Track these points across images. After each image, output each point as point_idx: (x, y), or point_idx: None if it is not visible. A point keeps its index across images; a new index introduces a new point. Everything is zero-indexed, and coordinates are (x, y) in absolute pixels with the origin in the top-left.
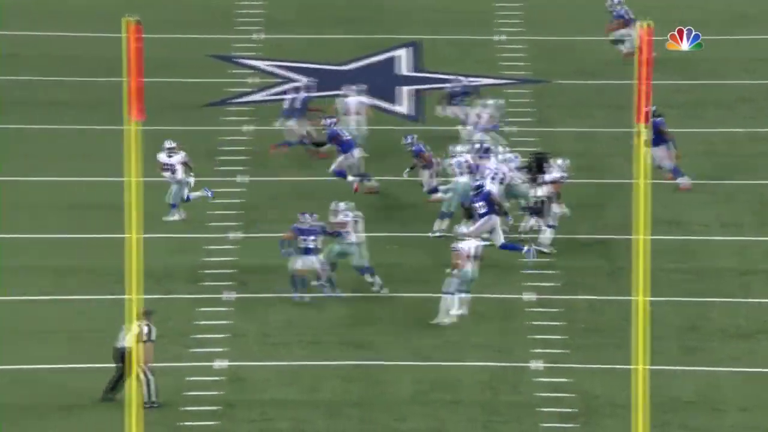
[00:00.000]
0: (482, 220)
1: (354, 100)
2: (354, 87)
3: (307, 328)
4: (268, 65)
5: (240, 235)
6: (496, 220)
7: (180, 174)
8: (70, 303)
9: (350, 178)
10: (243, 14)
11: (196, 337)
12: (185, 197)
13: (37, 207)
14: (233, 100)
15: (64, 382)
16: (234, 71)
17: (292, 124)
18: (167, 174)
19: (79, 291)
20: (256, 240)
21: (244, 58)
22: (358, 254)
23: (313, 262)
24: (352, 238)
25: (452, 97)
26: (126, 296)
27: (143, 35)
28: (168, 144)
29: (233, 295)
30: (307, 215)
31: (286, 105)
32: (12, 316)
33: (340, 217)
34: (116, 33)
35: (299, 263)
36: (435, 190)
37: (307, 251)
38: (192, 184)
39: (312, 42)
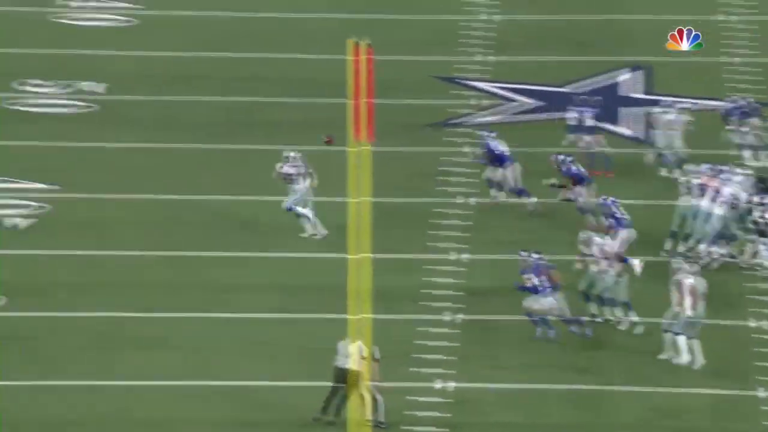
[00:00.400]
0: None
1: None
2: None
3: (532, 352)
4: (492, 87)
5: (463, 256)
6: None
7: (300, 184)
8: (296, 321)
9: (533, 199)
10: (468, 35)
11: (419, 358)
12: (289, 207)
13: (265, 226)
14: (456, 121)
15: (288, 400)
16: (457, 92)
17: (583, 138)
18: (283, 180)
19: (306, 309)
20: (478, 261)
21: (468, 79)
22: (615, 286)
23: (543, 302)
24: (608, 268)
25: (726, 119)
26: (349, 315)
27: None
28: (289, 154)
29: (456, 316)
30: (525, 253)
31: (572, 122)
32: (239, 333)
33: (594, 249)
34: (344, 55)
35: (530, 302)
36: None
37: (534, 290)
38: (306, 196)
39: (537, 64)
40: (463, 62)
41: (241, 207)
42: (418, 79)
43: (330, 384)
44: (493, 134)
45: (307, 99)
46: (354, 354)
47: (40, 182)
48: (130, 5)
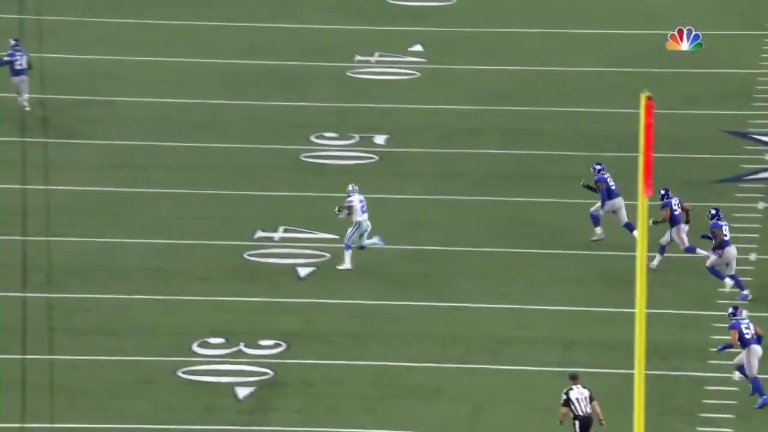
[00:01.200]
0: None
1: None
2: None
3: None
4: None
5: (748, 313)
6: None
7: (359, 216)
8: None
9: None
10: (763, 90)
11: (703, 416)
12: (362, 245)
13: (542, 277)
14: (747, 177)
15: None
16: (750, 147)
17: None
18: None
19: (582, 364)
20: (764, 319)
21: (760, 134)
22: None
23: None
24: None
25: None
26: (635, 371)
27: (657, 110)
28: (349, 187)
29: (738, 376)
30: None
31: None
32: (513, 385)
33: None
34: (629, 108)
35: None
36: (691, 250)
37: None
38: (369, 228)
39: None
40: (758, 116)
41: (523, 258)
42: (708, 134)
43: None
44: (601, 167)
45: (592, 153)
46: (583, 399)
47: (320, 232)
48: (416, 59)
